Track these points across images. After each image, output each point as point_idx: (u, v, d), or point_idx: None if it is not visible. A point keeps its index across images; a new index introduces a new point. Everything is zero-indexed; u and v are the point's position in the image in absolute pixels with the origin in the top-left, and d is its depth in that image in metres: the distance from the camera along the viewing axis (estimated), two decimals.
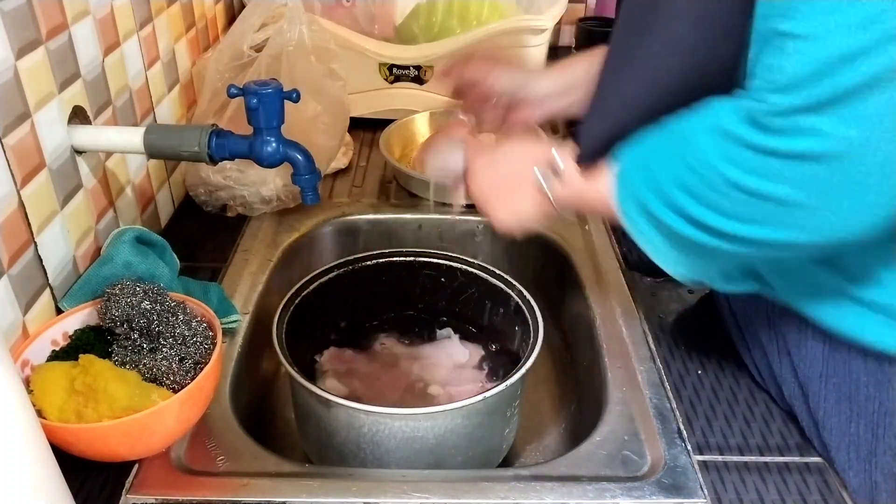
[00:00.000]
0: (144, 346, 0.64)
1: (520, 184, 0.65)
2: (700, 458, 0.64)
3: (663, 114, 0.56)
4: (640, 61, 0.57)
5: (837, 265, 0.58)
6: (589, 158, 0.62)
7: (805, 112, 0.45)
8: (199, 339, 0.64)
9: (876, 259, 0.56)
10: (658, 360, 0.75)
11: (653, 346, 0.77)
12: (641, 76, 0.57)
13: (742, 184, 0.49)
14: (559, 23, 1.19)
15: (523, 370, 0.66)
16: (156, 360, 0.62)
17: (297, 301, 0.76)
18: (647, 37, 0.56)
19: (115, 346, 0.64)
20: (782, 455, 0.65)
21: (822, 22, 0.43)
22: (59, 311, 0.69)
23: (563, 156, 0.63)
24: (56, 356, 0.64)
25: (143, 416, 0.57)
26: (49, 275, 0.68)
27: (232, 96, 0.73)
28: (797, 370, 0.65)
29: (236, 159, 0.75)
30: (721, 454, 0.65)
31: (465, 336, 0.88)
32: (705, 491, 0.61)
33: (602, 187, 0.60)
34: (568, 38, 1.59)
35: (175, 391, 0.61)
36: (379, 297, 0.86)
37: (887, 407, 0.59)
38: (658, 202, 0.55)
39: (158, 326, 0.64)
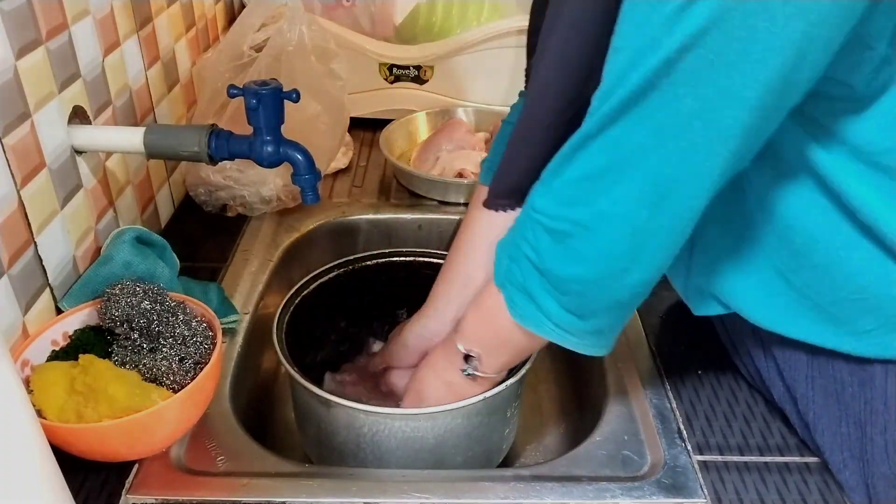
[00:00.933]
0: (144, 346, 0.64)
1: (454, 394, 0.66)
2: (700, 458, 0.64)
3: (573, 95, 0.58)
4: (551, 46, 0.60)
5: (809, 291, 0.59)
6: (514, 171, 0.65)
7: (609, 118, 0.48)
8: (199, 339, 0.64)
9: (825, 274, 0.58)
10: (658, 360, 0.75)
11: (653, 346, 0.77)
12: (552, 59, 0.60)
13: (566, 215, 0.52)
14: None
15: (523, 370, 0.66)
16: (156, 360, 0.62)
17: (297, 301, 0.76)
18: (557, 22, 0.59)
19: (115, 346, 0.64)
20: (782, 455, 0.65)
21: (620, 39, 0.47)
22: (58, 311, 0.69)
23: (462, 342, 0.65)
24: (56, 356, 0.64)
25: (143, 416, 0.57)
26: (49, 275, 0.68)
27: (232, 96, 0.72)
28: (783, 373, 0.66)
29: (236, 159, 0.75)
30: (721, 454, 0.65)
31: None
32: (705, 491, 0.61)
33: (502, 314, 0.60)
34: None
35: (175, 391, 0.61)
36: (379, 297, 0.86)
37: (872, 405, 0.59)
38: (536, 280, 0.56)
39: (158, 326, 0.64)
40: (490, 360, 0.64)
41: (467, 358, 0.64)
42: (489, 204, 0.70)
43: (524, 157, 0.63)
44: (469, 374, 0.64)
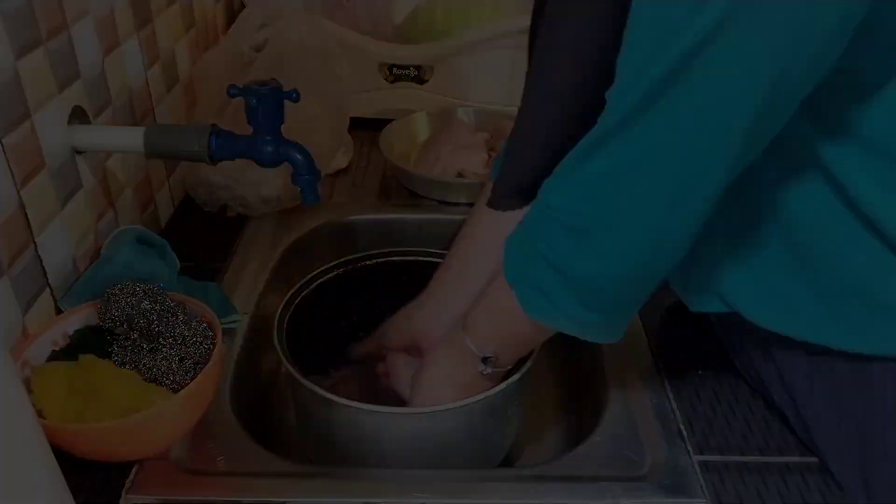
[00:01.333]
0: (144, 346, 0.64)
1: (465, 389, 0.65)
2: (700, 458, 0.64)
3: (588, 95, 0.58)
4: (558, 47, 0.60)
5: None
6: (515, 177, 0.66)
7: (629, 115, 0.47)
8: (198, 340, 0.64)
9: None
10: (658, 360, 0.75)
11: (653, 346, 0.77)
12: (562, 60, 0.60)
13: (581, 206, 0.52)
14: None
15: (523, 370, 0.66)
16: (156, 360, 0.62)
17: (297, 301, 0.76)
18: (563, 22, 0.60)
19: (115, 347, 0.64)
20: (782, 455, 0.65)
21: (635, 35, 0.46)
22: (58, 312, 0.69)
23: (476, 343, 0.64)
24: (56, 356, 0.64)
25: (143, 416, 0.57)
26: (49, 275, 0.68)
27: (232, 96, 0.72)
28: (782, 374, 0.65)
29: (236, 159, 0.75)
30: (721, 454, 0.65)
31: None
32: (705, 491, 0.61)
33: (517, 312, 0.60)
34: None
35: (175, 391, 0.61)
36: (379, 297, 0.86)
37: (871, 407, 0.59)
38: (552, 277, 0.56)
39: (158, 326, 0.64)
40: (506, 356, 0.65)
41: (485, 360, 0.64)
42: (493, 204, 0.70)
43: (528, 158, 0.63)
44: (488, 374, 0.65)
